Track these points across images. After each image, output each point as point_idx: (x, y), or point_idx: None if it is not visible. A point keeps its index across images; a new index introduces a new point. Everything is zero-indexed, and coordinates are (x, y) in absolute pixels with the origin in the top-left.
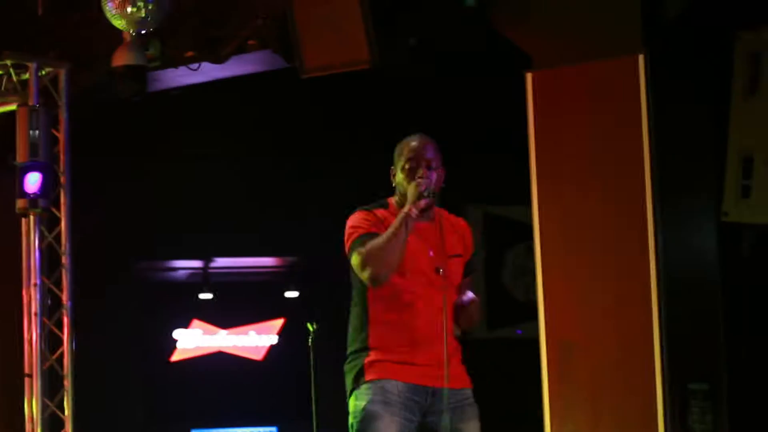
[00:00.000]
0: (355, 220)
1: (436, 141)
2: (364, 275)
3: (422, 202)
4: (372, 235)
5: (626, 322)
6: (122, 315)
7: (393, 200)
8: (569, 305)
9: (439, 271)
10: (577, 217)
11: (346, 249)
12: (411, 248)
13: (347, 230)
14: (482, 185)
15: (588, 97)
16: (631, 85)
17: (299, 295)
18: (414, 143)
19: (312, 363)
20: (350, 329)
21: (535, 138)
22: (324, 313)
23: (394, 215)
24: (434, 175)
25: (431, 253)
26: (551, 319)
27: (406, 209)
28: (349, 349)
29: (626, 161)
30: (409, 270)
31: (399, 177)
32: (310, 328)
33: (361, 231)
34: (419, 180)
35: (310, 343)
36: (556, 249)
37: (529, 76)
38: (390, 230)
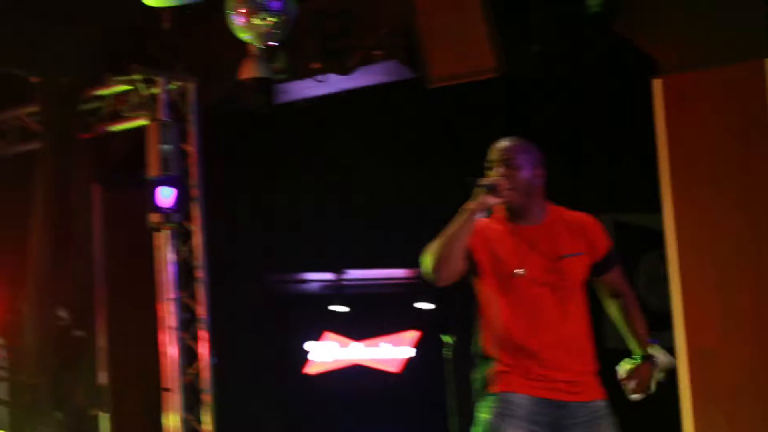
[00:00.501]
0: None
1: (556, 145)
2: (423, 271)
3: (488, 198)
4: None
5: (766, 329)
6: (255, 328)
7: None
8: (707, 313)
9: (516, 274)
10: (712, 223)
11: None
12: (511, 255)
13: None
14: (611, 193)
15: (717, 102)
16: (759, 89)
17: (435, 307)
18: (495, 145)
19: (450, 376)
20: (474, 336)
21: (668, 144)
22: (461, 325)
23: (500, 222)
24: (522, 173)
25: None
26: (690, 328)
27: (466, 205)
28: (475, 358)
29: (758, 165)
30: (511, 277)
31: None
32: (448, 341)
33: None
34: (488, 179)
35: (447, 356)
36: (691, 256)
37: (657, 83)
38: (448, 226)
